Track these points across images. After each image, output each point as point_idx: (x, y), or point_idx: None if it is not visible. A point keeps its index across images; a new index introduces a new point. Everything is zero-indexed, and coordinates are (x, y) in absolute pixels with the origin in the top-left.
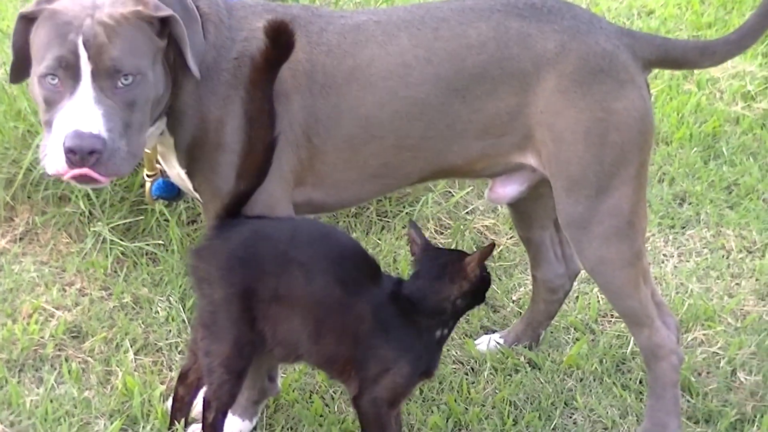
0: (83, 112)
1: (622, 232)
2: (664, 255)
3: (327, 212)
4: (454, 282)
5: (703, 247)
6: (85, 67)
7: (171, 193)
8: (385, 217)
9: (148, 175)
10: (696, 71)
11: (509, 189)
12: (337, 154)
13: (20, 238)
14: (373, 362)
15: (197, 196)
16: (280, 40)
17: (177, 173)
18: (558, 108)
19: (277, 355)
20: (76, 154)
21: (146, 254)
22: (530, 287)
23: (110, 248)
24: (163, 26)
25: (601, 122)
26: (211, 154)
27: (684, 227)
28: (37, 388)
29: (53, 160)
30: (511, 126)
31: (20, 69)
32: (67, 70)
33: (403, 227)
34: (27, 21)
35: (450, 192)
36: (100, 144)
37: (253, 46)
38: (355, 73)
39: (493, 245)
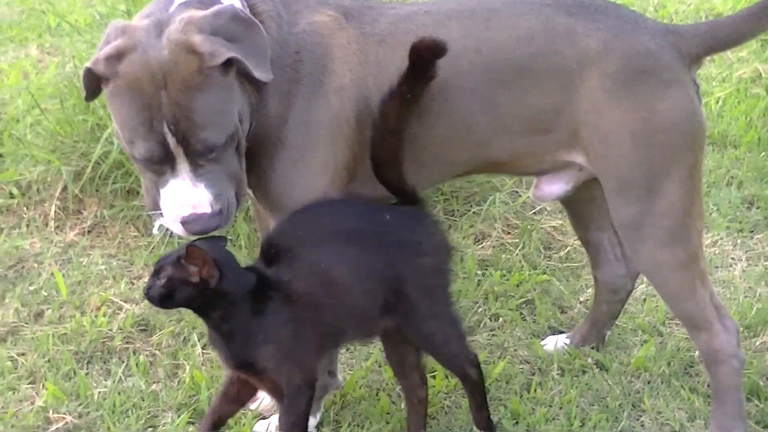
0: (190, 195)
1: (676, 234)
2: (732, 259)
3: None
4: None
5: None
6: (177, 150)
7: None
8: (452, 216)
9: None
10: (765, 75)
11: (555, 187)
12: None
13: (89, 231)
14: None
15: (250, 192)
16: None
17: None
18: (602, 108)
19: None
20: (201, 233)
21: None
22: None
23: (177, 242)
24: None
25: (646, 123)
26: (270, 151)
27: (752, 231)
28: (105, 381)
29: (173, 227)
30: (556, 123)
31: (93, 96)
32: (162, 156)
33: (470, 227)
34: (95, 73)
35: (517, 192)
36: (218, 220)
37: (312, 39)
38: (406, 63)
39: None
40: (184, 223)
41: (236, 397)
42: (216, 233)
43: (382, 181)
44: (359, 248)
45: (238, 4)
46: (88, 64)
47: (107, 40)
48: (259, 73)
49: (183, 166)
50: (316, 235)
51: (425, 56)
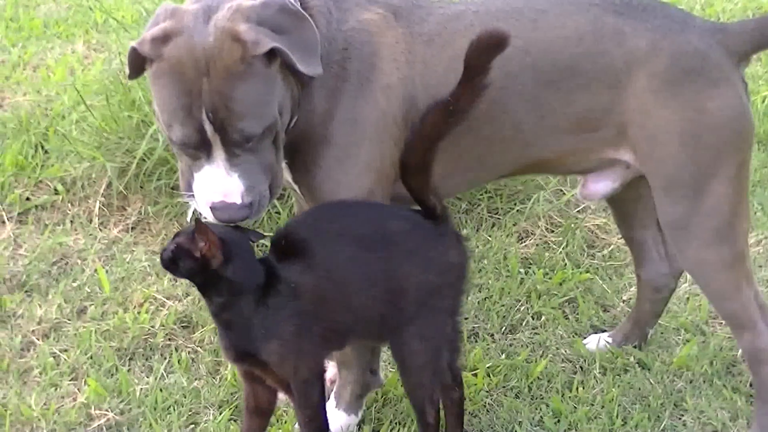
0: (223, 183)
1: (723, 234)
2: None
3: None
4: None
5: None
6: (214, 137)
7: None
8: (496, 214)
9: None
10: None
11: (602, 185)
12: None
13: (132, 228)
14: None
15: (296, 188)
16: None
17: None
18: (650, 107)
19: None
20: (229, 222)
21: (257, 246)
22: None
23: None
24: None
25: (694, 123)
26: (315, 147)
27: None
28: (147, 377)
29: (203, 211)
30: (603, 122)
31: (136, 75)
32: (198, 142)
33: (514, 225)
34: (140, 53)
35: (562, 190)
36: (247, 211)
37: (360, 37)
38: (453, 63)
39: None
40: (213, 209)
41: (256, 409)
42: (250, 226)
43: (407, 187)
44: (369, 253)
45: None
46: (133, 44)
47: (156, 22)
48: (304, 67)
49: (219, 153)
50: (330, 234)
51: (485, 48)
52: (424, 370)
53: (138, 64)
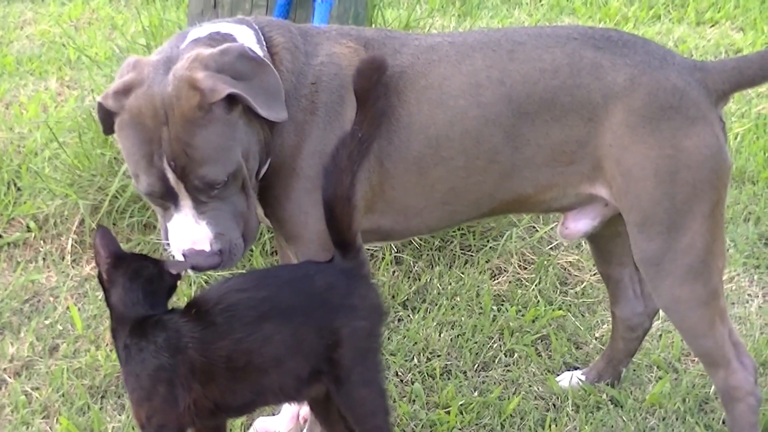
0: (191, 231)
1: (697, 271)
2: (749, 295)
3: (394, 240)
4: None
5: None
6: (178, 185)
7: None
8: (468, 251)
9: None
10: None
11: (581, 224)
12: (407, 178)
13: None
14: None
15: (268, 222)
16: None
17: None
18: (626, 143)
19: None
20: (200, 269)
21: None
22: None
23: (194, 277)
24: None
25: (670, 159)
26: (285, 180)
27: None
28: (120, 415)
29: (178, 259)
30: (579, 155)
31: (108, 130)
32: (163, 191)
33: (487, 262)
34: (105, 108)
35: (534, 227)
36: (217, 259)
37: (329, 71)
38: (426, 93)
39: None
40: (185, 256)
41: None
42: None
43: (329, 225)
44: (288, 325)
45: (253, 39)
46: (99, 99)
47: (120, 75)
48: (266, 112)
49: (185, 202)
50: (244, 309)
51: (366, 73)
52: (377, 414)
53: (107, 118)
